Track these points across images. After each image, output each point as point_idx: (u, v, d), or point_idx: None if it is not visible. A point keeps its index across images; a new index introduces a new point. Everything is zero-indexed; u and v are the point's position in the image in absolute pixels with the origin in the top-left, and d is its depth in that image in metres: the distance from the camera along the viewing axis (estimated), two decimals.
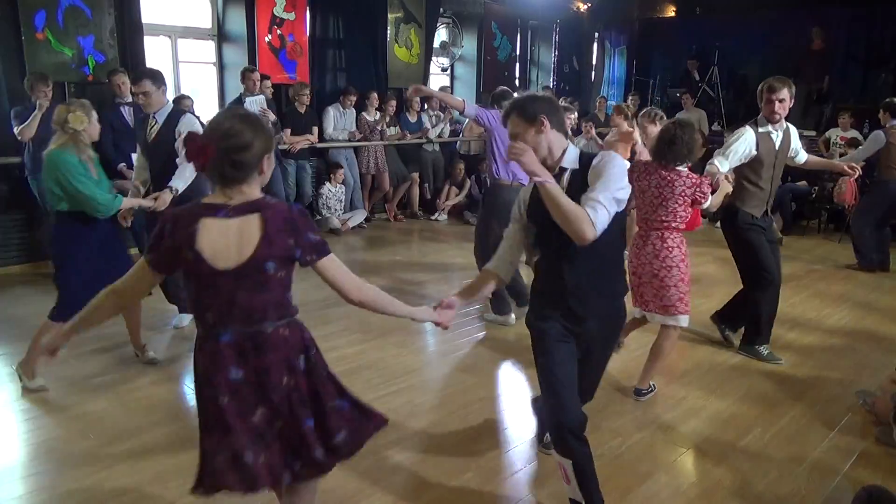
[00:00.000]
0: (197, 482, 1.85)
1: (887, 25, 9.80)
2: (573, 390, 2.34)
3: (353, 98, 7.90)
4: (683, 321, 3.56)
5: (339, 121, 7.88)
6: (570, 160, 2.31)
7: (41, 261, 5.88)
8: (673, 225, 3.51)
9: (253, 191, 1.79)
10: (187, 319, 4.52)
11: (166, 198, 3.95)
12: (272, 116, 6.65)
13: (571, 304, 2.35)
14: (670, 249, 3.50)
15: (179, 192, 4.04)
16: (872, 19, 9.92)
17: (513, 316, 4.71)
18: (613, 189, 2.17)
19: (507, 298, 4.73)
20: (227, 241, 1.74)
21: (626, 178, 2.24)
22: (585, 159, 2.30)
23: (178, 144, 4.05)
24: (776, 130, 3.99)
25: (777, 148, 4.03)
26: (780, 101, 3.87)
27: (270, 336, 1.80)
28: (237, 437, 1.78)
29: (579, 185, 2.25)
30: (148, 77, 4.13)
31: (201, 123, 4.37)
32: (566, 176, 2.31)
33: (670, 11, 12.16)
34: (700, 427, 3.32)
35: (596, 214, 2.11)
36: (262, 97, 6.78)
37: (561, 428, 2.31)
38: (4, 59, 5.73)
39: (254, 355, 1.79)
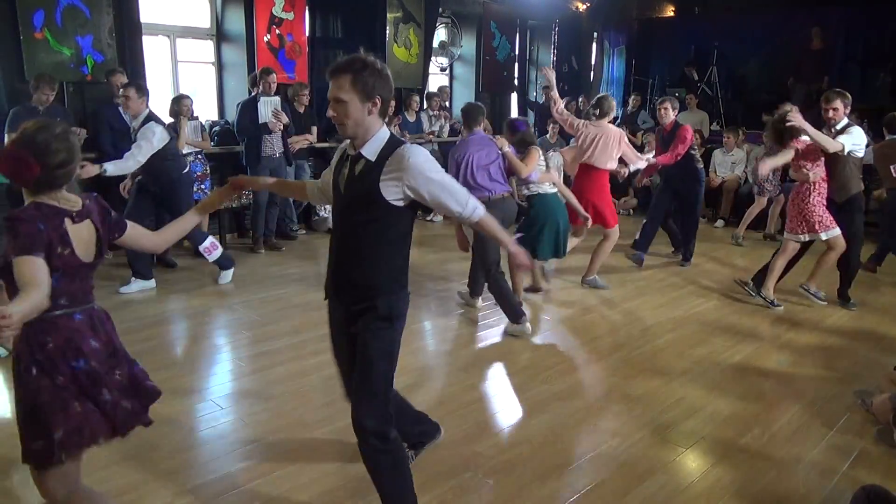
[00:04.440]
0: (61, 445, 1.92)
1: (886, 25, 9.81)
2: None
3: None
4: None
5: None
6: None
7: None
8: None
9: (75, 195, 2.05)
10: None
11: (91, 170, 4.51)
12: (285, 119, 6.53)
13: None
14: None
15: (107, 173, 4.72)
16: (871, 19, 9.92)
17: (528, 325, 4.54)
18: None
19: (516, 308, 4.55)
20: (86, 240, 2.04)
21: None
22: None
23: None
24: (830, 130, 4.80)
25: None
26: (835, 109, 4.73)
27: (101, 312, 2.15)
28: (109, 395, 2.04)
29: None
30: (132, 86, 4.99)
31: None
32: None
33: (669, 11, 12.17)
34: (699, 426, 3.33)
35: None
36: (277, 99, 6.66)
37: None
38: (3, 58, 5.73)
39: (101, 328, 2.10)
